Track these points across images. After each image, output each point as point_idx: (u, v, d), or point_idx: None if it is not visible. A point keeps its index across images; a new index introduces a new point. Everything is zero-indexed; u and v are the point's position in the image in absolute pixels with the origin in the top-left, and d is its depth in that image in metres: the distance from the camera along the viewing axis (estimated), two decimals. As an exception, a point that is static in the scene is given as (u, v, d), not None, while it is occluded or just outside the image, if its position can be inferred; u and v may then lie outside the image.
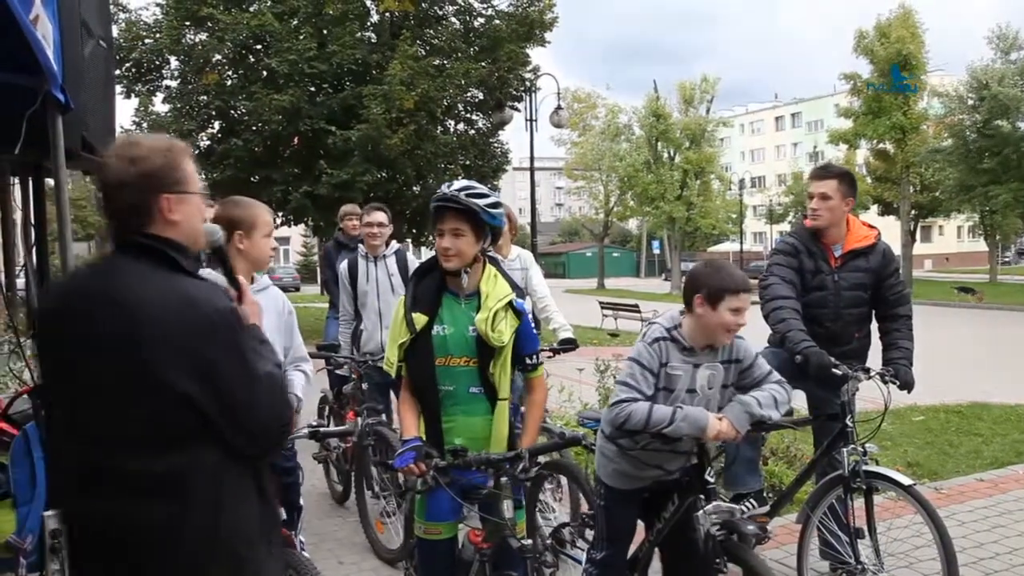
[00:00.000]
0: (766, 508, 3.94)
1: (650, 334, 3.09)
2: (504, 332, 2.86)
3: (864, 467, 3.57)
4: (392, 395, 5.35)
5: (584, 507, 4.03)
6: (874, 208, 38.88)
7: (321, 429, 3.41)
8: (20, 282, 6.15)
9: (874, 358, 4.12)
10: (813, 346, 3.72)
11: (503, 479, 2.74)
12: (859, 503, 3.67)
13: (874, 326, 4.22)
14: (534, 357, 3.01)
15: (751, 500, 3.89)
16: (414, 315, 2.87)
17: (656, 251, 58.50)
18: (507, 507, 2.75)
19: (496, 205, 2.84)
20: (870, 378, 3.78)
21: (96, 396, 1.77)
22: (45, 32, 2.17)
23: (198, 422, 1.77)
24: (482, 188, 2.86)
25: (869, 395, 3.99)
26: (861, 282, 4.05)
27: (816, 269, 4.05)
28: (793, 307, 3.89)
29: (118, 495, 1.75)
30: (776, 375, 3.16)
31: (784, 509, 4.34)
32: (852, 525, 3.63)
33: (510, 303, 2.91)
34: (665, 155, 40.07)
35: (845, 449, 3.62)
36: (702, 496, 3.01)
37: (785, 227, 47.00)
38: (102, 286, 1.81)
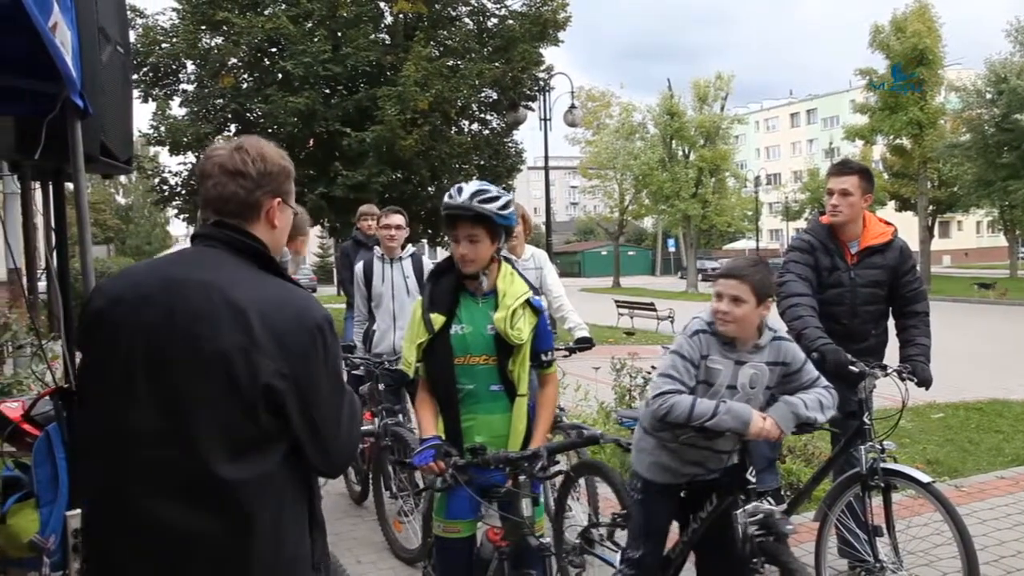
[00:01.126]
0: (783, 507, 3.94)
1: (690, 327, 3.11)
2: (523, 330, 2.90)
3: (882, 465, 3.55)
4: (407, 396, 5.38)
5: (611, 508, 4.02)
6: (891, 204, 38.57)
7: None
8: (41, 285, 6.23)
9: (891, 355, 4.09)
10: (829, 343, 3.70)
11: (521, 477, 2.75)
12: (877, 501, 3.64)
13: (891, 323, 4.20)
14: (548, 354, 3.05)
15: (768, 498, 3.89)
16: (432, 315, 2.89)
17: (671, 249, 58.30)
18: (526, 505, 2.76)
19: (507, 205, 2.85)
20: (887, 375, 3.76)
21: (194, 395, 1.65)
22: (64, 38, 2.20)
23: (278, 430, 1.70)
24: (492, 189, 2.86)
25: (887, 392, 3.97)
26: (878, 279, 4.03)
27: (832, 266, 4.03)
28: (809, 304, 3.88)
29: (193, 503, 1.65)
30: (824, 380, 3.15)
31: (801, 507, 4.32)
32: (871, 523, 3.61)
33: (528, 301, 2.94)
34: (680, 153, 39.93)
35: (863, 447, 3.60)
36: (742, 496, 3.00)
37: (801, 224, 46.72)
38: (207, 279, 1.71)
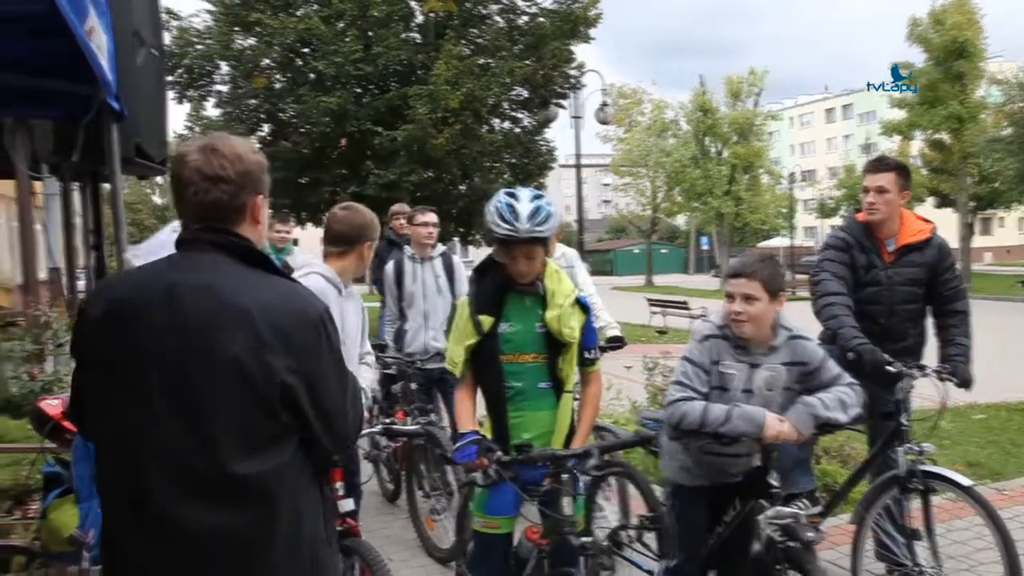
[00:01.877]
0: (819, 508, 3.88)
1: (701, 331, 3.09)
2: (575, 328, 2.93)
3: (921, 467, 3.48)
4: (438, 395, 5.39)
5: (639, 510, 4.00)
6: (930, 200, 37.87)
7: (394, 427, 3.49)
8: (81, 284, 6.35)
9: (930, 355, 4.01)
10: (866, 343, 3.64)
11: (564, 475, 2.75)
12: (916, 504, 3.58)
13: (929, 322, 4.11)
14: (592, 352, 3.06)
15: (803, 500, 3.82)
16: (480, 317, 2.89)
17: (705, 247, 57.84)
18: (567, 504, 2.75)
19: (551, 215, 2.84)
20: (925, 375, 3.68)
21: (211, 398, 1.68)
22: (99, 43, 2.23)
23: (292, 424, 1.75)
24: (543, 205, 2.83)
25: (927, 393, 3.89)
26: (916, 277, 3.95)
27: (869, 264, 3.96)
28: (845, 303, 3.81)
29: (217, 502, 1.68)
30: (847, 377, 3.09)
31: (838, 509, 4.26)
32: (908, 526, 3.55)
33: (577, 299, 2.96)
34: (712, 150, 39.58)
35: (900, 448, 3.54)
36: (764, 500, 2.96)
37: (837, 221, 46.06)
38: (211, 284, 1.73)
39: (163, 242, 2.68)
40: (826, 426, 2.98)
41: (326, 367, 1.79)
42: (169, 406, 1.68)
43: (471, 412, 2.97)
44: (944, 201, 37.61)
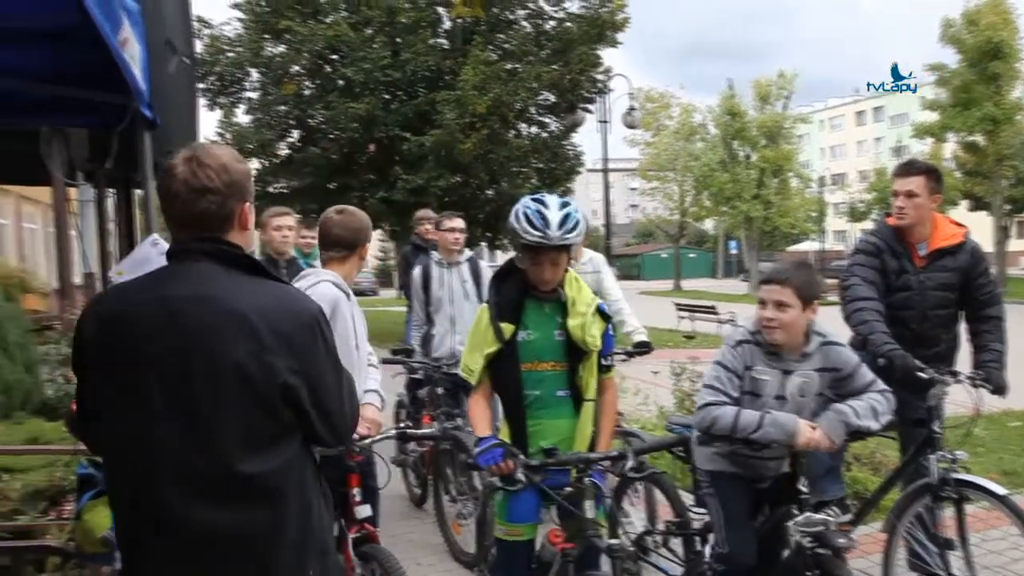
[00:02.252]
0: (849, 516, 3.83)
1: (733, 336, 3.07)
2: (596, 336, 2.92)
3: (954, 475, 3.42)
4: (464, 399, 5.40)
5: (666, 515, 3.98)
6: (964, 204, 37.26)
7: (409, 431, 3.49)
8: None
9: (964, 361, 3.95)
10: (897, 348, 3.59)
11: (586, 479, 2.74)
12: (950, 513, 3.52)
13: (963, 328, 4.05)
14: (608, 359, 3.05)
15: (833, 508, 3.78)
16: (502, 325, 2.88)
17: (733, 251, 57.43)
18: (589, 507, 2.74)
19: (580, 221, 2.85)
20: (959, 382, 3.62)
21: (216, 404, 1.74)
22: (133, 53, 2.27)
23: (295, 421, 1.83)
24: (572, 212, 2.84)
25: (961, 399, 3.83)
26: (948, 282, 3.89)
27: (900, 269, 3.90)
28: (875, 308, 3.76)
29: (229, 501, 1.75)
30: (880, 384, 3.06)
31: (869, 517, 4.20)
32: (941, 535, 3.49)
33: (598, 307, 2.96)
34: (741, 154, 39.27)
35: (933, 456, 3.48)
36: (794, 506, 2.94)
37: (868, 225, 45.53)
38: (207, 294, 1.77)
39: (146, 255, 2.72)
40: (857, 433, 2.95)
41: (324, 365, 1.86)
42: (171, 413, 1.74)
43: (488, 417, 2.97)
44: (978, 204, 36.96)
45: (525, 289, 2.93)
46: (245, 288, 1.81)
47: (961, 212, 35.35)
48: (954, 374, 3.65)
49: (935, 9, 31.78)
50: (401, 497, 5.99)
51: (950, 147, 37.20)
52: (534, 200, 2.86)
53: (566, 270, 2.96)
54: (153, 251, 2.67)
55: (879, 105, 73.45)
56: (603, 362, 3.01)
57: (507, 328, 2.87)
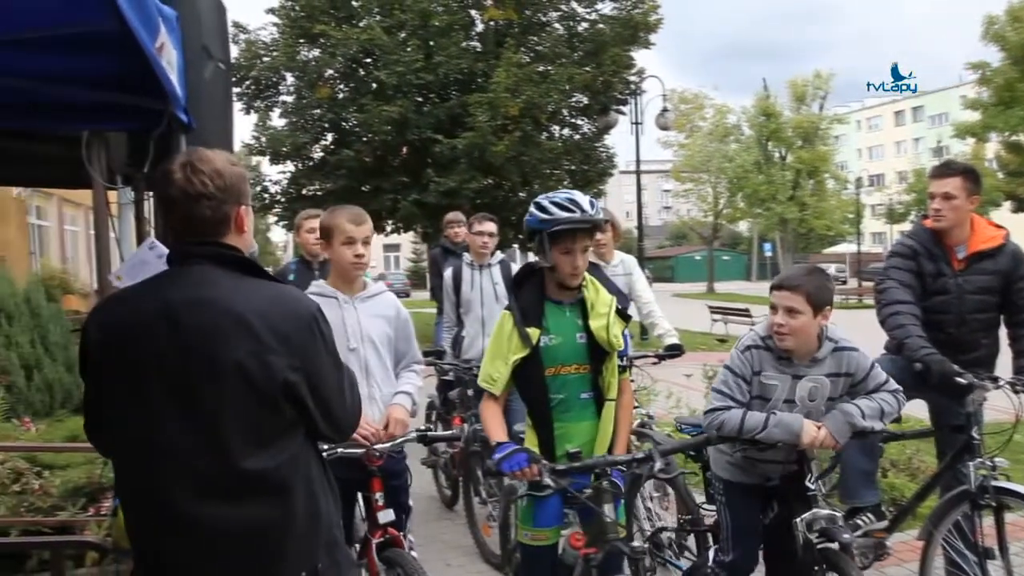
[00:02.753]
0: (884, 523, 3.77)
1: (743, 342, 3.08)
2: (619, 336, 2.93)
3: (993, 483, 3.35)
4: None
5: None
6: (1006, 205, 36.49)
7: (429, 433, 3.48)
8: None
9: (1004, 366, 3.87)
10: (934, 353, 3.53)
11: (605, 482, 2.73)
12: (989, 521, 3.45)
13: (1004, 332, 3.96)
14: (624, 359, 3.07)
15: (868, 514, 3.74)
16: (528, 330, 2.87)
17: (768, 253, 56.75)
18: (609, 510, 2.74)
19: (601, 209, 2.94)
20: (998, 387, 3.55)
21: (219, 404, 1.78)
22: (170, 58, 2.31)
23: (297, 417, 1.88)
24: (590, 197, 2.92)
25: (1001, 405, 3.75)
26: (988, 285, 3.80)
27: (937, 272, 3.83)
28: (911, 312, 3.70)
29: (234, 498, 1.80)
30: (892, 384, 3.06)
31: (905, 524, 4.13)
32: (980, 544, 3.42)
33: (617, 308, 2.97)
34: (776, 155, 38.91)
35: (971, 463, 3.41)
36: (801, 503, 2.96)
37: (906, 227, 44.76)
38: (207, 297, 1.81)
39: (143, 259, 2.77)
40: (863, 432, 2.96)
41: (323, 362, 1.91)
42: (175, 414, 1.78)
43: (503, 423, 2.94)
44: (1021, 205, 36.20)
45: (543, 294, 2.94)
46: (243, 289, 1.85)
47: (1003, 214, 34.60)
48: (994, 379, 3.57)
49: (978, 6, 31.15)
50: (432, 498, 6.02)
51: (992, 147, 36.47)
52: (552, 195, 2.89)
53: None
54: (151, 255, 2.73)
55: (918, 105, 72.27)
56: (618, 363, 3.01)
57: (533, 333, 2.86)
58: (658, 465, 2.72)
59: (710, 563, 3.38)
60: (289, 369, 1.82)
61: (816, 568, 2.86)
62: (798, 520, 2.90)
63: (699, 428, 3.60)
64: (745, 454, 3.05)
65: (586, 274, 2.98)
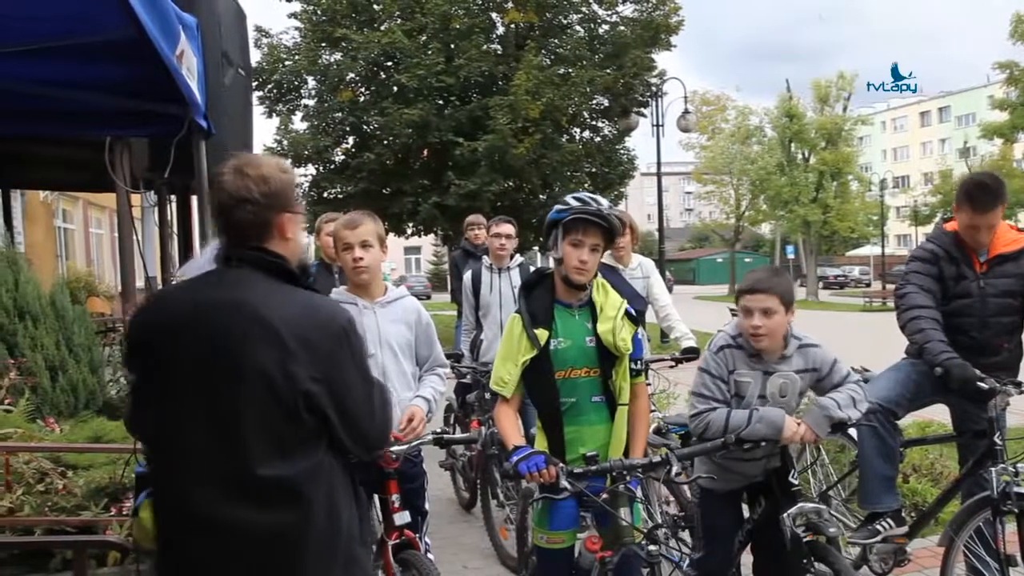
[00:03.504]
0: (904, 529, 3.74)
1: (715, 342, 3.15)
2: (627, 340, 2.92)
3: (1016, 488, 3.31)
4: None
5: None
6: (1034, 206, 35.98)
7: (445, 436, 3.49)
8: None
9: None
10: (954, 358, 3.49)
11: (621, 486, 2.73)
12: (1012, 528, 3.40)
13: (1027, 337, 3.91)
14: (639, 363, 3.04)
15: (888, 520, 3.71)
16: (536, 331, 2.88)
17: (790, 256, 56.34)
18: (625, 513, 2.73)
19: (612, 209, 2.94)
20: (1021, 392, 3.50)
21: (239, 408, 1.80)
22: (190, 65, 2.35)
23: (319, 427, 1.87)
24: (607, 203, 2.93)
25: (1024, 410, 3.71)
26: (1010, 289, 3.75)
27: (959, 275, 3.78)
28: (932, 316, 3.66)
29: (252, 502, 1.81)
30: (855, 376, 3.15)
31: (927, 530, 4.09)
32: (1003, 551, 3.38)
33: (626, 311, 2.96)
34: (799, 156, 38.55)
35: (994, 469, 3.38)
36: (787, 498, 3.03)
37: (932, 229, 44.11)
38: (238, 300, 1.84)
39: (208, 259, 2.81)
40: (841, 424, 3.04)
41: (349, 375, 1.89)
42: (199, 413, 1.81)
43: (518, 426, 2.96)
44: (1050, 207, 35.63)
45: (553, 298, 2.95)
46: (277, 296, 1.86)
47: (1031, 215, 34.13)
48: (1017, 384, 3.53)
49: (1006, 5, 30.71)
50: (450, 501, 6.03)
51: (1020, 148, 35.96)
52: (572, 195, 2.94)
53: (596, 274, 2.96)
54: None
55: (944, 105, 71.45)
56: (633, 366, 2.99)
57: (541, 334, 2.87)
58: (675, 469, 2.72)
59: (686, 564, 3.44)
60: (310, 380, 1.82)
61: (804, 561, 2.92)
62: (784, 515, 2.96)
63: (685, 428, 3.65)
64: (732, 456, 3.06)
65: (598, 278, 2.99)
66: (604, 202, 2.87)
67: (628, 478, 2.76)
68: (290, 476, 1.82)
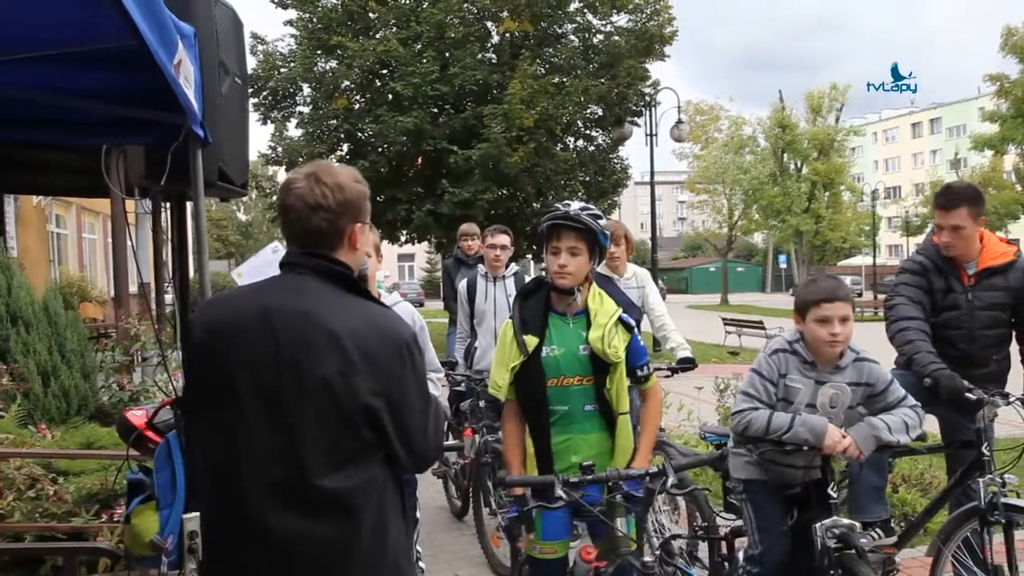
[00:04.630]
0: (893, 539, 3.76)
1: (771, 345, 3.16)
2: (619, 347, 2.92)
3: (1003, 499, 3.34)
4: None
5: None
6: (1024, 218, 36.24)
7: None
8: (167, 298, 6.65)
9: (1016, 382, 3.85)
10: (943, 368, 3.53)
11: (618, 496, 2.73)
12: (999, 538, 3.43)
13: (1015, 348, 3.95)
14: (645, 368, 3.05)
15: (877, 529, 3.73)
16: (525, 337, 2.90)
17: (783, 265, 56.55)
18: (622, 523, 2.73)
19: (602, 217, 2.93)
20: (1009, 404, 3.54)
21: (300, 416, 1.78)
22: (187, 73, 2.36)
23: (376, 441, 1.84)
24: (596, 210, 2.93)
25: (1016, 421, 3.73)
26: (998, 301, 3.80)
27: (947, 288, 3.82)
28: (920, 327, 3.70)
29: (303, 512, 1.79)
30: (911, 399, 3.11)
31: (915, 540, 4.11)
32: (990, 562, 3.40)
33: (620, 318, 2.96)
34: (792, 167, 38.79)
35: (981, 479, 3.41)
36: (823, 509, 3.01)
37: (923, 240, 44.28)
38: (304, 308, 1.82)
39: (268, 261, 2.81)
40: (887, 446, 3.03)
41: (409, 390, 1.86)
42: (262, 421, 1.79)
43: (520, 451, 2.97)
44: (1040, 219, 35.88)
45: (548, 306, 2.96)
46: (341, 306, 1.85)
47: (1022, 226, 34.39)
48: (1004, 395, 3.56)
49: (997, 18, 30.95)
50: (442, 509, 6.04)
51: (1010, 159, 36.23)
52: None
53: (589, 279, 2.97)
54: (273, 258, 2.76)
55: (936, 117, 71.90)
56: (639, 372, 3.01)
57: (530, 341, 2.89)
58: (671, 480, 2.71)
59: (741, 562, 3.39)
60: (371, 394, 1.79)
61: (832, 573, 2.91)
62: (818, 525, 2.95)
63: (723, 438, 3.63)
64: (767, 456, 3.09)
65: (595, 286, 3.01)
66: (575, 205, 2.88)
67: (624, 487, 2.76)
68: (344, 488, 1.79)
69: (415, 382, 1.88)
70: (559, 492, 2.63)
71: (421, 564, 3.86)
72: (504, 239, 5.57)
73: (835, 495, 3.04)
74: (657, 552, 3.74)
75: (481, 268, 5.67)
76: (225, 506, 1.85)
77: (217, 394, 1.86)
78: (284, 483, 1.78)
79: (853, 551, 2.90)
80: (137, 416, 3.32)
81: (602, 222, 2.90)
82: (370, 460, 1.84)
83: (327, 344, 1.78)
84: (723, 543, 3.70)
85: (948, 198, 3.85)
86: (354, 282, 1.92)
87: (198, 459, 1.96)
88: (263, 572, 1.82)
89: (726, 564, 3.65)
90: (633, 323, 3.06)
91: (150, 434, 3.23)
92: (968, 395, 3.44)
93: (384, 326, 1.87)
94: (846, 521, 2.98)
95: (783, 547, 3.18)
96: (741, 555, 3.43)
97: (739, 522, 3.54)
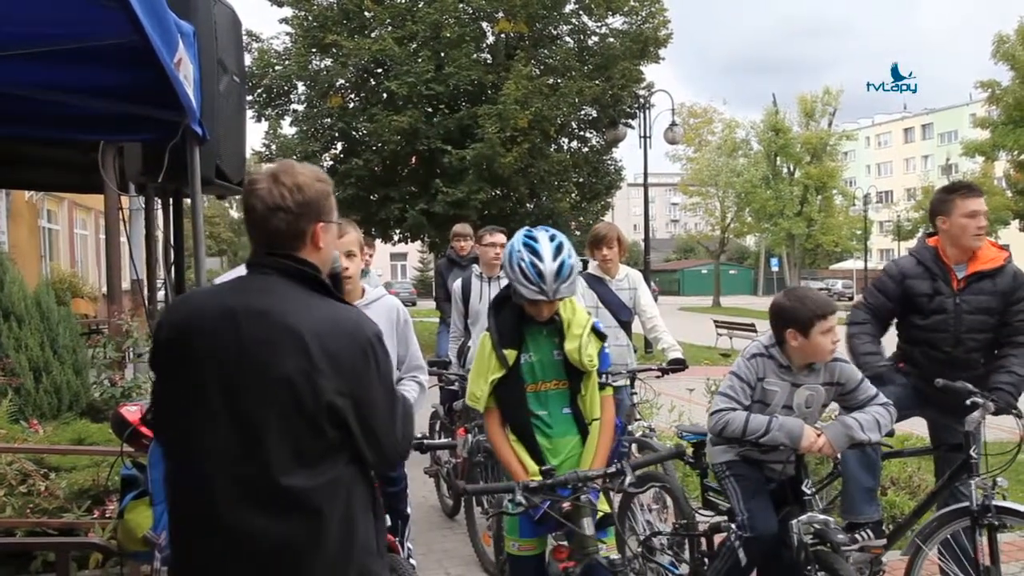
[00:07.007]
0: (882, 541, 3.79)
1: (749, 350, 3.27)
2: (593, 356, 2.98)
3: (993, 501, 3.37)
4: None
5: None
6: (1015, 224, 36.39)
7: (426, 442, 3.52)
8: (160, 295, 6.64)
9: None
10: (874, 354, 3.80)
11: (582, 497, 2.74)
12: (982, 540, 3.45)
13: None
14: (605, 376, 3.08)
15: (867, 530, 3.77)
16: (505, 351, 2.94)
17: (775, 268, 56.70)
18: (587, 524, 2.73)
19: (574, 268, 2.88)
20: (999, 411, 3.56)
21: (263, 414, 1.79)
22: (187, 72, 2.38)
23: (342, 440, 1.85)
24: (565, 255, 2.86)
25: (1005, 424, 3.76)
26: (986, 306, 3.81)
27: (935, 291, 3.85)
28: (867, 332, 3.94)
29: (268, 510, 1.79)
30: (882, 397, 3.23)
31: (902, 542, 4.14)
32: (981, 563, 3.43)
33: (593, 327, 3.01)
34: (784, 170, 38.92)
35: (972, 481, 3.44)
36: (798, 506, 3.11)
37: (914, 244, 44.45)
38: (267, 307, 1.83)
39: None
40: (859, 444, 3.13)
41: (373, 389, 1.87)
42: (224, 419, 1.80)
43: (516, 457, 2.97)
44: (1029, 225, 36.05)
45: (522, 315, 2.98)
46: (305, 306, 1.86)
47: (1012, 232, 34.58)
48: (995, 401, 3.56)
49: (989, 25, 31.13)
50: (434, 507, 6.05)
51: (1001, 166, 36.40)
52: (527, 247, 2.88)
53: None
54: None
55: (928, 122, 72.24)
56: (599, 380, 3.04)
57: (510, 354, 2.94)
58: (628, 479, 2.73)
59: (732, 533, 3.41)
60: (335, 393, 1.80)
61: (809, 568, 2.98)
62: (794, 522, 3.03)
63: (700, 436, 3.68)
64: (746, 455, 3.19)
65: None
66: (551, 269, 2.82)
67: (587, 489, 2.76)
68: (309, 487, 1.80)
69: (380, 380, 1.89)
70: (519, 498, 2.64)
71: (412, 561, 3.87)
72: (501, 239, 5.58)
73: (809, 491, 3.14)
74: (639, 550, 3.78)
75: (475, 268, 5.68)
76: (193, 504, 1.85)
77: (183, 392, 1.86)
78: (248, 480, 1.79)
79: (828, 546, 2.99)
80: (131, 412, 3.33)
81: (572, 278, 2.86)
82: (336, 459, 1.84)
83: (290, 343, 1.79)
84: (703, 539, 3.74)
85: (970, 187, 3.95)
86: (319, 281, 1.93)
87: (165, 457, 1.96)
88: (228, 570, 1.83)
89: (706, 560, 3.67)
90: (606, 332, 3.09)
91: (144, 430, 3.24)
92: (975, 399, 3.49)
93: (348, 325, 1.88)
94: (822, 517, 3.06)
95: (771, 512, 3.26)
96: (732, 527, 3.45)
97: (718, 519, 3.62)
